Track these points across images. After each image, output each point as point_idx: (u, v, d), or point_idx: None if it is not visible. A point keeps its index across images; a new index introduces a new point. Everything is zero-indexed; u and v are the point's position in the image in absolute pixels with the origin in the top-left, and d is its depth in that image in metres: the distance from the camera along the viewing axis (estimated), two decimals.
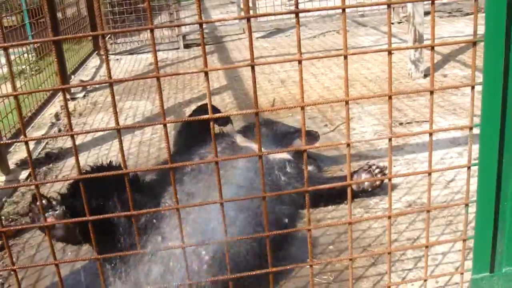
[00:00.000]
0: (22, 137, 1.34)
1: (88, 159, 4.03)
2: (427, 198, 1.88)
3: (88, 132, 1.44)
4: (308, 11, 1.40)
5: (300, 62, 1.39)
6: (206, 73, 1.32)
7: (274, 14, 1.36)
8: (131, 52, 8.22)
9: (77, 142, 4.33)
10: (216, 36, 8.76)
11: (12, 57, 5.28)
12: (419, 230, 2.71)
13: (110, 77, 1.31)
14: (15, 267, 1.52)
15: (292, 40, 8.01)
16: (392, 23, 8.42)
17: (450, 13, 8.72)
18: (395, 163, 3.48)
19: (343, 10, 1.37)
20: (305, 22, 8.82)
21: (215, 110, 3.50)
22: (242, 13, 8.44)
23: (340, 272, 2.43)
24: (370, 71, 5.71)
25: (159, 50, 8.13)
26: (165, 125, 1.41)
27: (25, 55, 6.16)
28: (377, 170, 3.05)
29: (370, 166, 3.09)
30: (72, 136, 1.38)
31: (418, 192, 3.10)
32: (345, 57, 1.39)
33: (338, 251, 2.59)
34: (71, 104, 5.58)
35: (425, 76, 5.29)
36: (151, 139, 4.20)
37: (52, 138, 4.54)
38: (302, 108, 1.46)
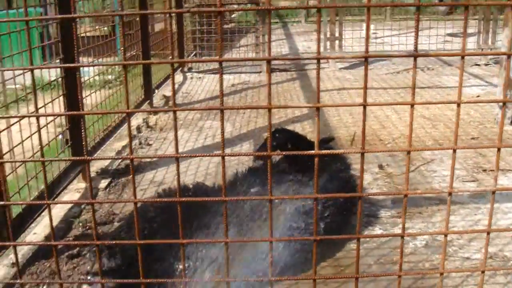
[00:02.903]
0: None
1: (166, 175, 4.09)
2: None
3: (147, 157, 1.44)
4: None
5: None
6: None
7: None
8: (214, 71, 8.34)
9: (155, 158, 4.42)
10: (299, 63, 8.78)
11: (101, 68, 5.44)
12: (500, 285, 2.61)
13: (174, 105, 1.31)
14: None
15: (375, 74, 7.93)
16: (478, 65, 8.23)
17: None
18: (476, 211, 3.37)
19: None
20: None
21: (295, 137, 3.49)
22: (328, 43, 8.41)
23: None
24: (454, 112, 5.57)
25: (241, 73, 8.22)
26: (223, 157, 1.40)
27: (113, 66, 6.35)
28: None
29: None
30: (131, 160, 1.39)
31: (499, 244, 2.98)
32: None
33: None
34: (153, 118, 5.69)
35: None
36: (229, 160, 4.21)
37: (135, 150, 4.65)
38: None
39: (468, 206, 3.45)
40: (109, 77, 6.65)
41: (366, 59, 1.26)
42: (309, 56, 9.21)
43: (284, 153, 1.53)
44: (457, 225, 3.20)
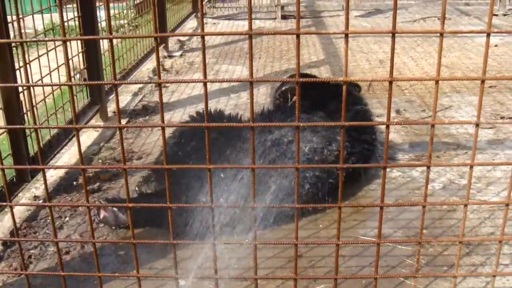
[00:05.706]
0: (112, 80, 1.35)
1: (183, 115, 4.09)
2: None
3: (176, 81, 1.43)
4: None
5: (441, 34, 1.34)
6: (298, 36, 1.29)
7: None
8: (228, 17, 8.26)
9: (172, 99, 4.42)
10: (314, 11, 8.68)
11: (113, 12, 5.36)
12: None
13: (203, 29, 1.30)
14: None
15: (391, 22, 7.82)
16: (496, 15, 8.10)
17: None
18: (494, 157, 3.37)
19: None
20: (406, 5, 8.62)
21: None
22: None
23: (433, 257, 2.38)
24: (472, 61, 5.52)
25: (255, 19, 8.13)
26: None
27: (125, 11, 6.25)
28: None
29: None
30: (159, 85, 1.38)
31: None
32: (441, 35, 1.33)
33: (431, 235, 2.54)
34: (168, 62, 5.67)
35: None
36: (247, 103, 4.20)
37: (151, 92, 4.65)
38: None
39: (486, 152, 3.44)
40: (121, 21, 6.57)
41: None
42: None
43: (313, 79, 1.50)
44: (474, 170, 3.19)
